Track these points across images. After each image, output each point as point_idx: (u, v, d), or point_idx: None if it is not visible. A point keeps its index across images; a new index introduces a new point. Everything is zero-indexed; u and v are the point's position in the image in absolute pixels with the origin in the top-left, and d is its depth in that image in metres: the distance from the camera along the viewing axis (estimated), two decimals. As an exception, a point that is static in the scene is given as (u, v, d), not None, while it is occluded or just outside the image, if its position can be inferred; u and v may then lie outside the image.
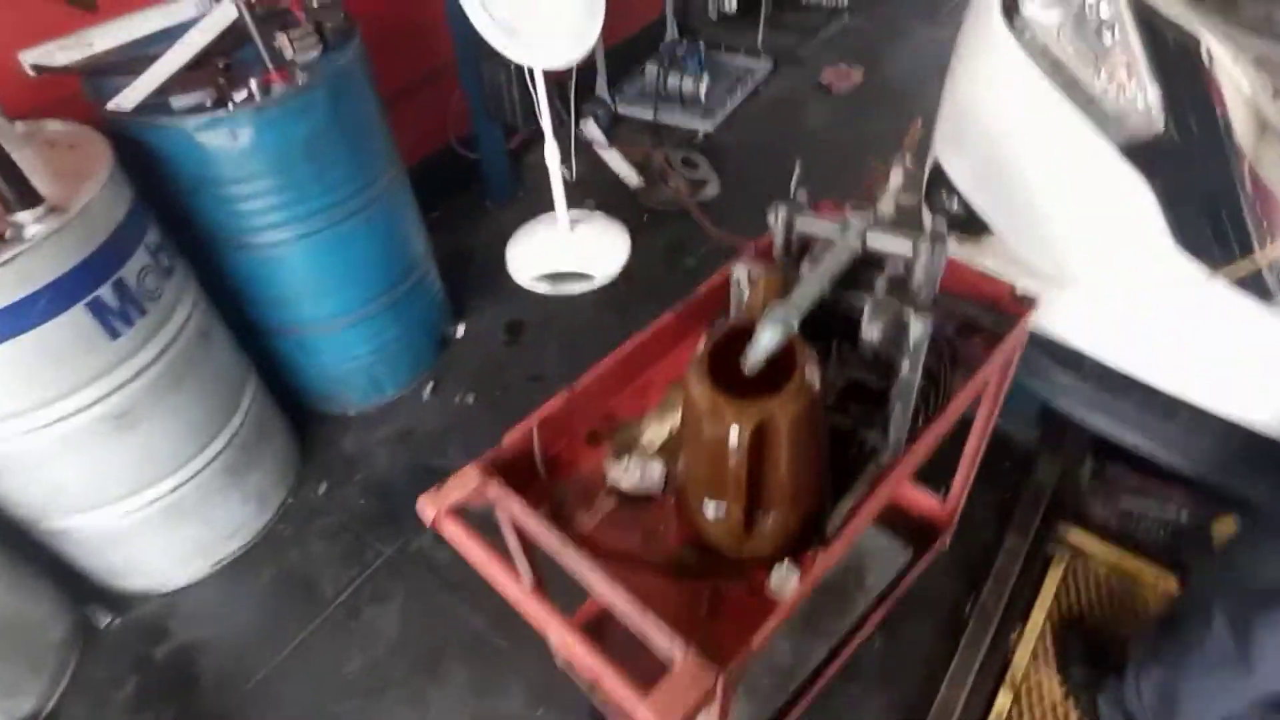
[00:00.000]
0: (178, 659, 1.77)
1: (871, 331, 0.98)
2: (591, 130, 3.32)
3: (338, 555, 1.94)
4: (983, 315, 1.30)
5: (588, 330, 2.51)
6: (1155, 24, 1.34)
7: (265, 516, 2.00)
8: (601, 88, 3.39)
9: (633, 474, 1.10)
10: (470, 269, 2.75)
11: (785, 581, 0.98)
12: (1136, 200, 1.35)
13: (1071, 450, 2.03)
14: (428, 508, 1.01)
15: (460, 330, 2.52)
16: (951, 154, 1.77)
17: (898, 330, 1.00)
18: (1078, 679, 1.60)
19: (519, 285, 2.70)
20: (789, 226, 1.09)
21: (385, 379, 2.29)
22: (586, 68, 3.27)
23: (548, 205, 2.73)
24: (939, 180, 1.79)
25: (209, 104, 1.63)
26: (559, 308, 2.61)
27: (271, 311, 1.99)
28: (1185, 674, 1.24)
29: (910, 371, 1.01)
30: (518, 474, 1.11)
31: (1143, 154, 1.34)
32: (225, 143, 1.65)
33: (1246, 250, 1.26)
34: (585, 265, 2.73)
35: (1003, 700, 1.62)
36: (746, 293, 1.06)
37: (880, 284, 1.04)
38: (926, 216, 1.90)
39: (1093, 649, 1.64)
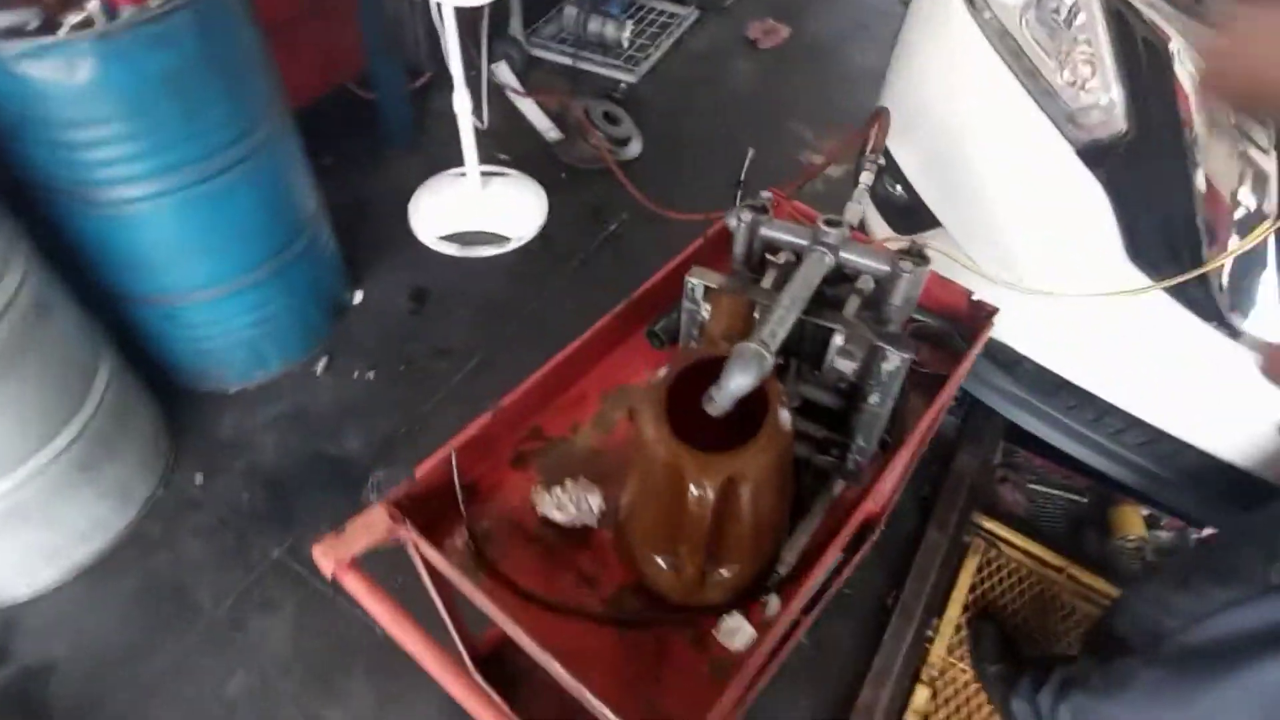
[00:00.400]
0: (22, 685, 1.53)
1: (841, 363, 0.88)
2: (504, 74, 3.05)
3: (217, 557, 1.72)
4: (937, 322, 1.23)
5: (501, 299, 2.32)
6: (1124, 17, 1.27)
7: (129, 514, 1.75)
8: (516, 27, 3.11)
9: (567, 507, 0.97)
10: (369, 226, 2.49)
11: (735, 634, 0.89)
12: (1090, 203, 1.30)
13: (988, 437, 2.05)
14: (324, 559, 0.85)
15: (358, 297, 2.27)
16: (899, 138, 1.68)
17: (868, 356, 0.91)
18: (990, 675, 1.63)
19: (424, 246, 2.47)
20: (752, 234, 0.96)
21: (271, 353, 2.04)
22: (500, 4, 2.98)
23: (455, 157, 2.49)
24: (884, 166, 1.70)
25: (34, 26, 1.31)
26: (469, 272, 2.40)
27: (131, 279, 1.70)
28: (1111, 709, 1.25)
29: (879, 404, 0.92)
30: (433, 508, 0.96)
31: (1100, 155, 1.29)
32: (59, 76, 1.34)
33: (1196, 260, 1.24)
34: (498, 226, 2.52)
35: (920, 695, 1.63)
36: (703, 310, 0.93)
37: (851, 304, 0.93)
38: (868, 204, 1.82)
39: (1006, 643, 1.67)
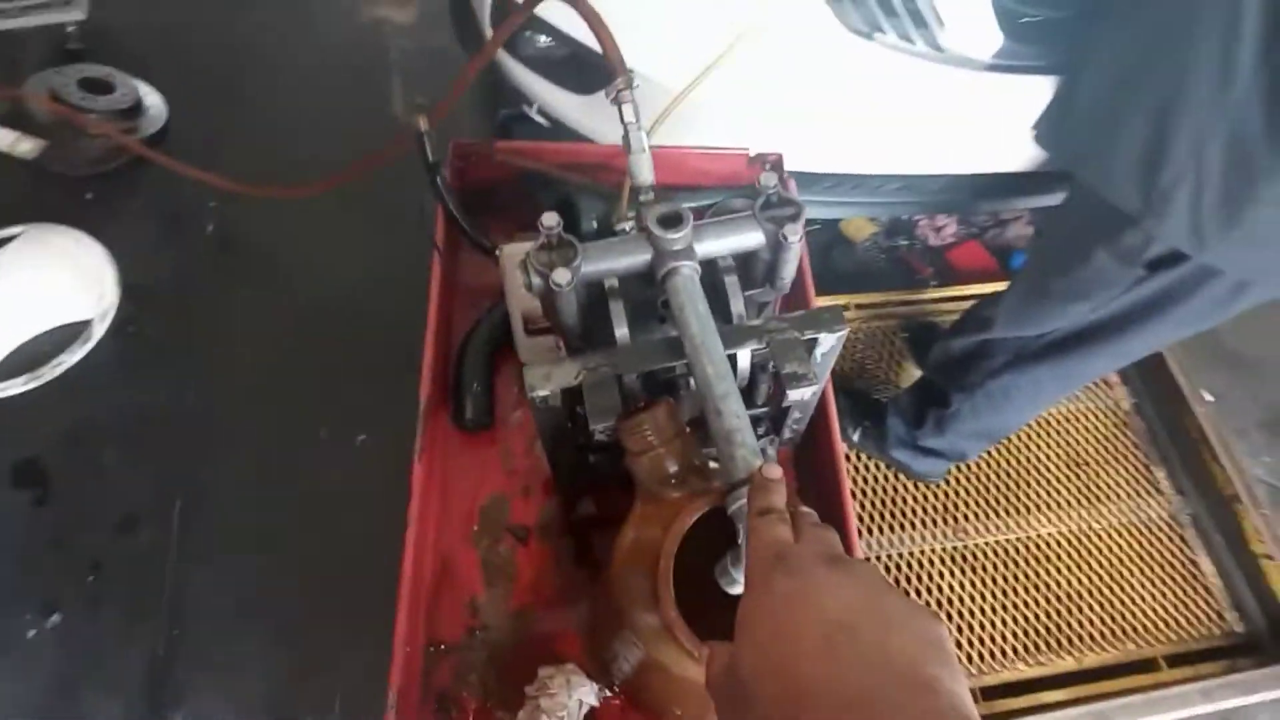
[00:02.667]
0: None
1: (797, 393, 0.67)
2: (-128, 92, 1.95)
3: None
4: (741, 202, 1.04)
5: (146, 405, 1.67)
6: None
7: None
8: None
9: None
10: None
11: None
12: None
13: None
14: None
15: (-64, 536, 1.50)
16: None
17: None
18: (858, 440, 1.73)
19: (-27, 404, 1.65)
20: (574, 284, 0.65)
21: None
22: None
23: (-88, 261, 1.60)
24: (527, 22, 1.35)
25: None
26: (71, 400, 1.67)
27: None
28: (1004, 418, 1.38)
29: (819, 384, 0.74)
30: None
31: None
32: None
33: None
34: (59, 314, 1.74)
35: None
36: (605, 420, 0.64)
37: (734, 295, 0.70)
38: (517, 69, 1.47)
39: (855, 402, 1.76)
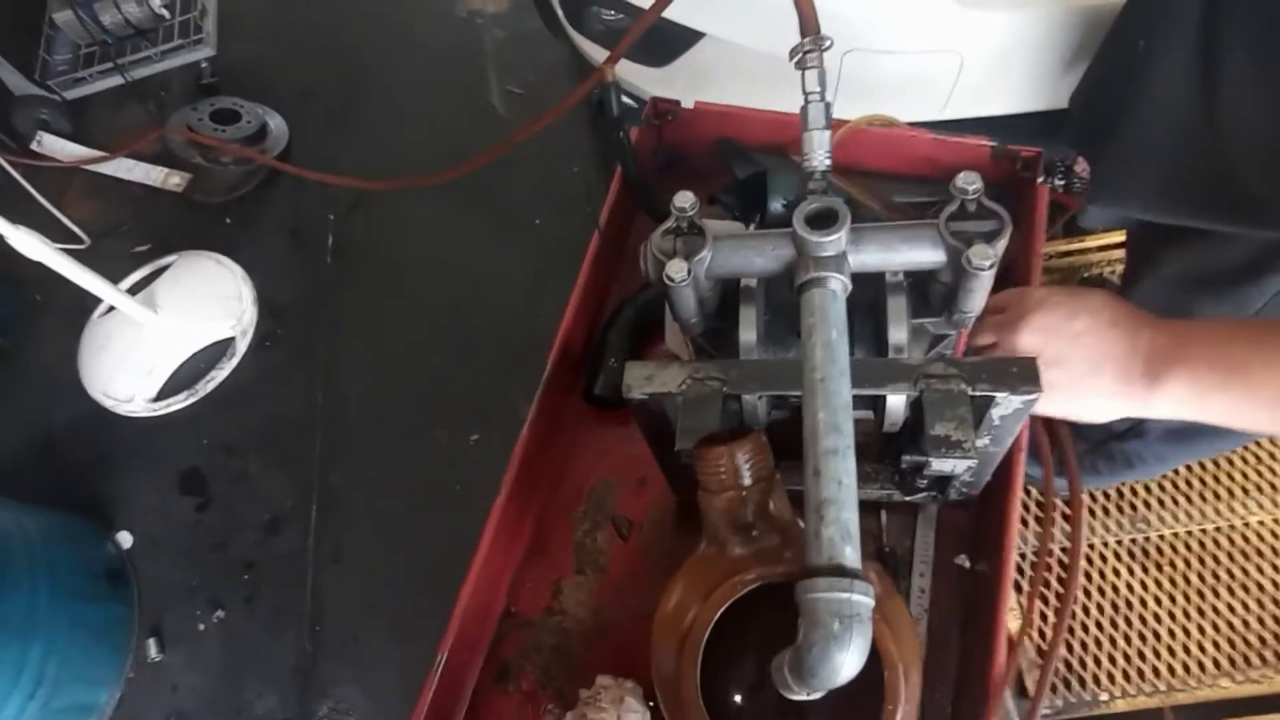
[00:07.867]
0: None
1: (942, 465, 0.53)
2: (58, 146, 2.21)
3: None
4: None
5: (284, 409, 1.79)
6: None
7: None
8: (16, 82, 2.20)
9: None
10: (62, 451, 1.82)
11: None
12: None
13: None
14: None
15: (126, 540, 1.69)
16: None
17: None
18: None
19: (145, 422, 1.84)
20: (699, 283, 0.56)
21: (81, 689, 1.49)
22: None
23: (88, 299, 1.78)
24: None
25: None
26: (220, 412, 1.82)
27: None
28: None
29: (993, 445, 0.59)
30: None
31: None
32: None
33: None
34: (206, 334, 1.90)
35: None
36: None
37: (895, 322, 0.57)
38: (581, 41, 1.38)
39: None
